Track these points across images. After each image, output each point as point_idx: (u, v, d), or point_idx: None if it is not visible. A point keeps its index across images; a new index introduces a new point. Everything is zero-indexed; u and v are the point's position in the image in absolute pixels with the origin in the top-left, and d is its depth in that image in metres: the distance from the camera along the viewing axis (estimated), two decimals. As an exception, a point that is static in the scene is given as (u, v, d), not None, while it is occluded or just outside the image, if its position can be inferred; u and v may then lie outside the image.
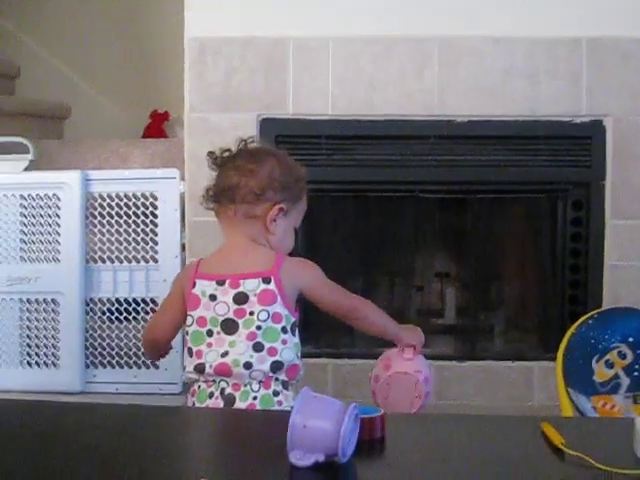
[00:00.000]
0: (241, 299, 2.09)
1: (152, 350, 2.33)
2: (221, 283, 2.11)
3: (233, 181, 2.17)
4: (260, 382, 2.08)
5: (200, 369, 2.11)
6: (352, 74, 3.50)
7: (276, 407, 2.08)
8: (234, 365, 2.07)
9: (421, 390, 2.21)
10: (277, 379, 2.10)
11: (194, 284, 2.15)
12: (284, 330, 2.10)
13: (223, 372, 2.09)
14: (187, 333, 2.16)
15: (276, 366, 2.08)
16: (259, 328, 2.08)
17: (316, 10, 3.49)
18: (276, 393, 2.10)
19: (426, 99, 3.50)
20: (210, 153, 2.25)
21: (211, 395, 2.10)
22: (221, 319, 2.10)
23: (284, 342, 2.10)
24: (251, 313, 2.08)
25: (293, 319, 2.12)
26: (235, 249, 2.19)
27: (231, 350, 2.09)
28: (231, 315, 2.09)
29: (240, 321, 2.09)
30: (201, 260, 2.22)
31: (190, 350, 2.15)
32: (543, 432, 1.57)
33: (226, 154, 2.24)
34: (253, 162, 2.18)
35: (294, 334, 2.13)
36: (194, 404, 2.13)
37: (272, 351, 2.08)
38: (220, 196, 2.19)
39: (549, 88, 3.46)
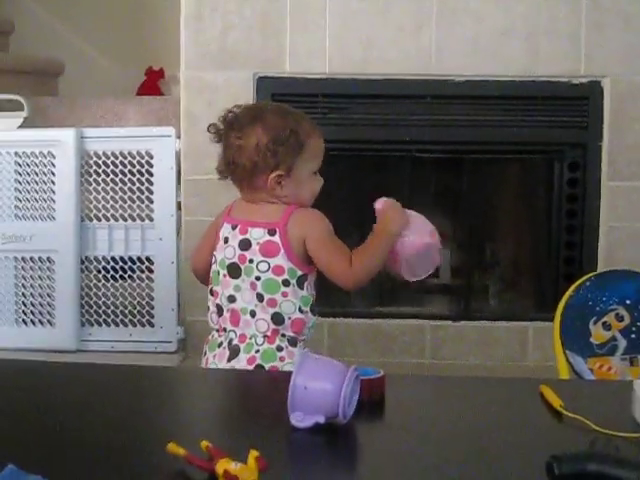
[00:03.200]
0: (245, 245, 2.12)
1: (198, 278, 2.33)
2: (234, 227, 2.16)
3: (228, 159, 2.18)
4: (265, 336, 2.10)
5: (220, 310, 2.17)
6: (349, 32, 3.48)
7: (278, 363, 2.09)
8: (242, 313, 2.12)
9: (435, 245, 2.20)
10: (283, 335, 2.11)
11: (223, 224, 2.20)
12: (286, 283, 2.10)
13: (233, 319, 2.13)
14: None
15: (277, 318, 2.10)
16: (258, 279, 2.10)
17: (313, -33, 3.47)
18: (280, 348, 2.11)
19: (423, 58, 3.48)
20: (211, 126, 2.23)
21: (220, 344, 2.15)
22: (227, 262, 2.14)
23: (284, 294, 2.10)
24: (250, 261, 2.11)
25: (300, 272, 2.12)
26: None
27: (237, 295, 2.13)
28: (235, 259, 2.13)
29: (242, 267, 2.12)
30: (235, 201, 2.24)
31: (211, 290, 2.21)
32: (542, 394, 1.58)
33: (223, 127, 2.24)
34: (239, 136, 2.15)
35: (302, 287, 2.12)
36: (206, 352, 2.19)
37: (271, 302, 2.10)
38: (224, 173, 2.21)
39: (547, 48, 3.44)
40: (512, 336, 3.59)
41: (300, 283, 2.11)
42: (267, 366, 2.08)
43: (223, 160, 2.19)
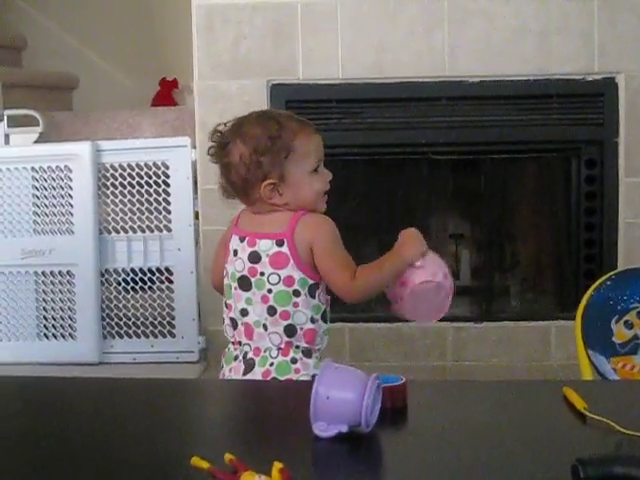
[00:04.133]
0: (254, 258, 2.11)
1: (220, 293, 2.31)
2: (242, 240, 2.14)
3: (223, 179, 2.16)
4: (279, 349, 2.09)
5: (234, 323, 2.16)
6: (361, 37, 3.48)
7: (293, 375, 2.08)
8: (255, 326, 2.10)
9: (446, 289, 2.09)
10: (297, 347, 2.09)
11: (231, 236, 2.19)
12: (296, 293, 2.09)
13: (247, 332, 2.12)
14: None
15: (289, 330, 2.08)
16: (270, 291, 2.09)
17: (323, -27, 3.47)
18: (294, 360, 2.09)
19: (436, 60, 3.47)
20: (209, 149, 2.21)
21: (236, 358, 2.14)
22: (238, 275, 2.13)
23: (295, 305, 2.08)
24: (262, 274, 2.09)
25: (311, 281, 2.10)
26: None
27: (249, 309, 2.11)
28: (245, 272, 2.12)
29: (253, 280, 2.11)
30: (242, 211, 2.22)
31: (225, 303, 2.20)
32: (565, 396, 1.57)
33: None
34: (225, 155, 2.13)
35: (314, 296, 2.10)
36: (223, 365, 2.18)
37: (284, 315, 2.08)
38: (225, 192, 2.19)
39: (561, 46, 3.43)
40: (534, 336, 3.58)
41: (312, 292, 2.09)
42: (282, 379, 2.06)
43: (220, 180, 2.18)
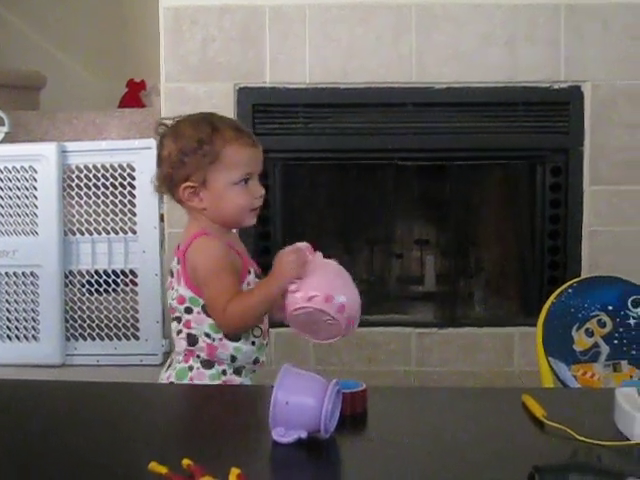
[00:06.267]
0: (171, 272, 2.11)
1: None
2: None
3: (156, 172, 2.12)
4: (184, 355, 2.08)
5: None
6: (329, 42, 3.48)
7: (187, 382, 2.06)
8: (173, 332, 2.11)
9: (328, 312, 1.86)
10: (198, 356, 2.06)
11: None
12: (188, 311, 2.06)
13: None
14: None
15: (191, 339, 2.06)
16: (170, 306, 2.10)
17: (292, -23, 3.47)
18: (191, 368, 2.07)
19: (404, 66, 3.48)
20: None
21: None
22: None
23: (187, 324, 2.06)
24: (172, 288, 2.09)
25: (202, 301, 2.08)
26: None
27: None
28: (167, 283, 2.13)
29: (168, 292, 2.13)
30: None
31: None
32: (524, 404, 1.58)
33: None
34: (159, 148, 2.11)
35: (208, 314, 2.04)
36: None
37: (187, 324, 2.07)
38: (154, 186, 2.15)
39: (527, 54, 3.45)
40: (498, 342, 3.59)
41: (206, 310, 2.05)
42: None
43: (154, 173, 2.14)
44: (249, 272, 2.08)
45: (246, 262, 2.10)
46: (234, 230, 2.22)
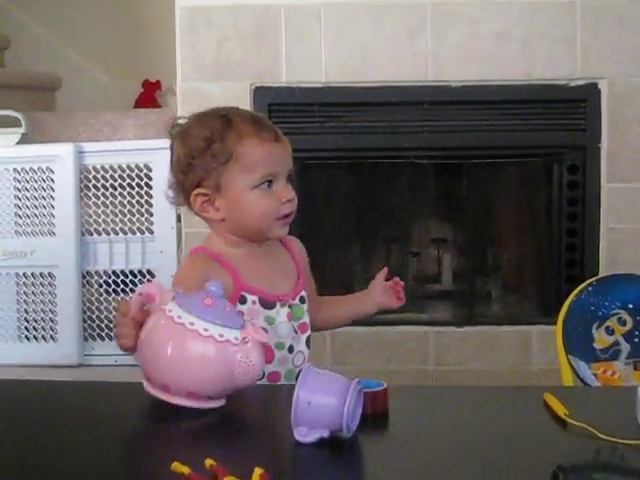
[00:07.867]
0: None
1: None
2: None
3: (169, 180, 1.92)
4: None
5: None
6: (344, 41, 3.47)
7: None
8: None
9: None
10: None
11: None
12: None
13: None
14: None
15: None
16: None
17: (307, -24, 3.47)
18: None
19: (419, 65, 3.47)
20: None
21: None
22: None
23: None
24: None
25: None
26: None
27: None
28: None
29: None
30: None
31: None
32: (546, 402, 1.57)
33: None
34: (170, 152, 1.89)
35: None
36: None
37: None
38: (167, 197, 1.97)
39: (543, 51, 3.44)
40: (516, 340, 3.58)
41: None
42: None
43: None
44: (242, 300, 1.83)
45: (239, 288, 1.82)
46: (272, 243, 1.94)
